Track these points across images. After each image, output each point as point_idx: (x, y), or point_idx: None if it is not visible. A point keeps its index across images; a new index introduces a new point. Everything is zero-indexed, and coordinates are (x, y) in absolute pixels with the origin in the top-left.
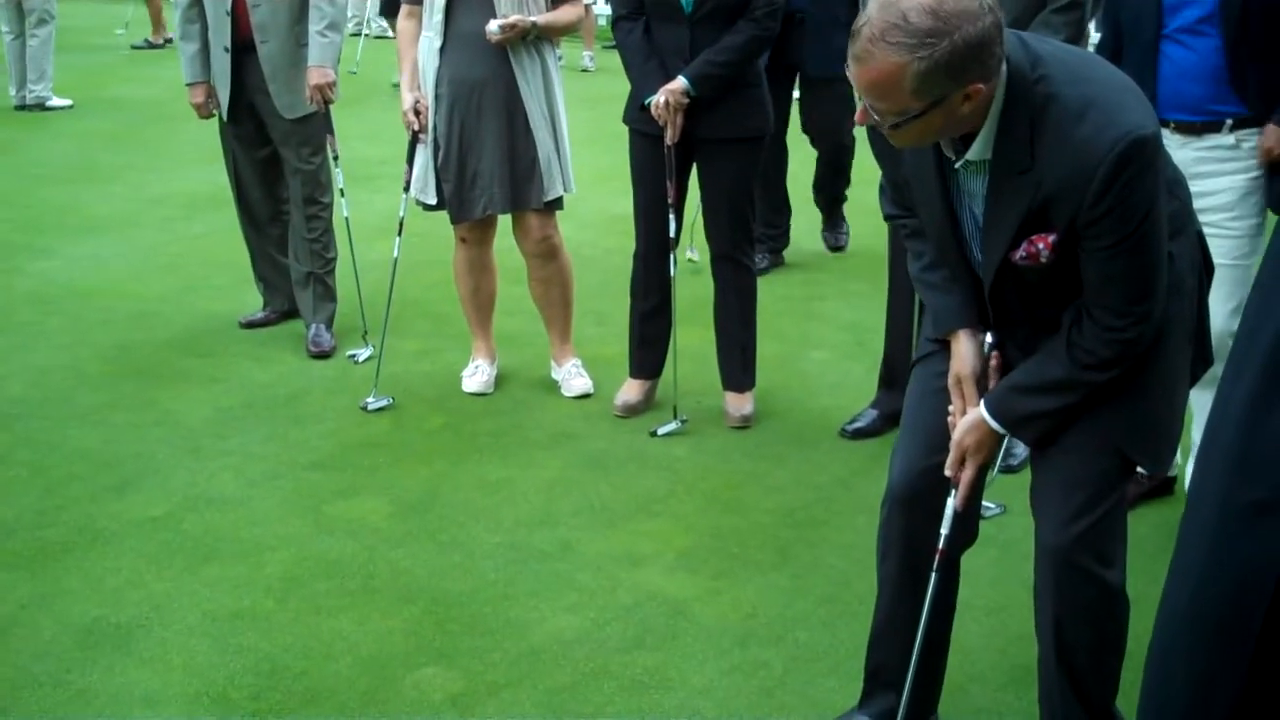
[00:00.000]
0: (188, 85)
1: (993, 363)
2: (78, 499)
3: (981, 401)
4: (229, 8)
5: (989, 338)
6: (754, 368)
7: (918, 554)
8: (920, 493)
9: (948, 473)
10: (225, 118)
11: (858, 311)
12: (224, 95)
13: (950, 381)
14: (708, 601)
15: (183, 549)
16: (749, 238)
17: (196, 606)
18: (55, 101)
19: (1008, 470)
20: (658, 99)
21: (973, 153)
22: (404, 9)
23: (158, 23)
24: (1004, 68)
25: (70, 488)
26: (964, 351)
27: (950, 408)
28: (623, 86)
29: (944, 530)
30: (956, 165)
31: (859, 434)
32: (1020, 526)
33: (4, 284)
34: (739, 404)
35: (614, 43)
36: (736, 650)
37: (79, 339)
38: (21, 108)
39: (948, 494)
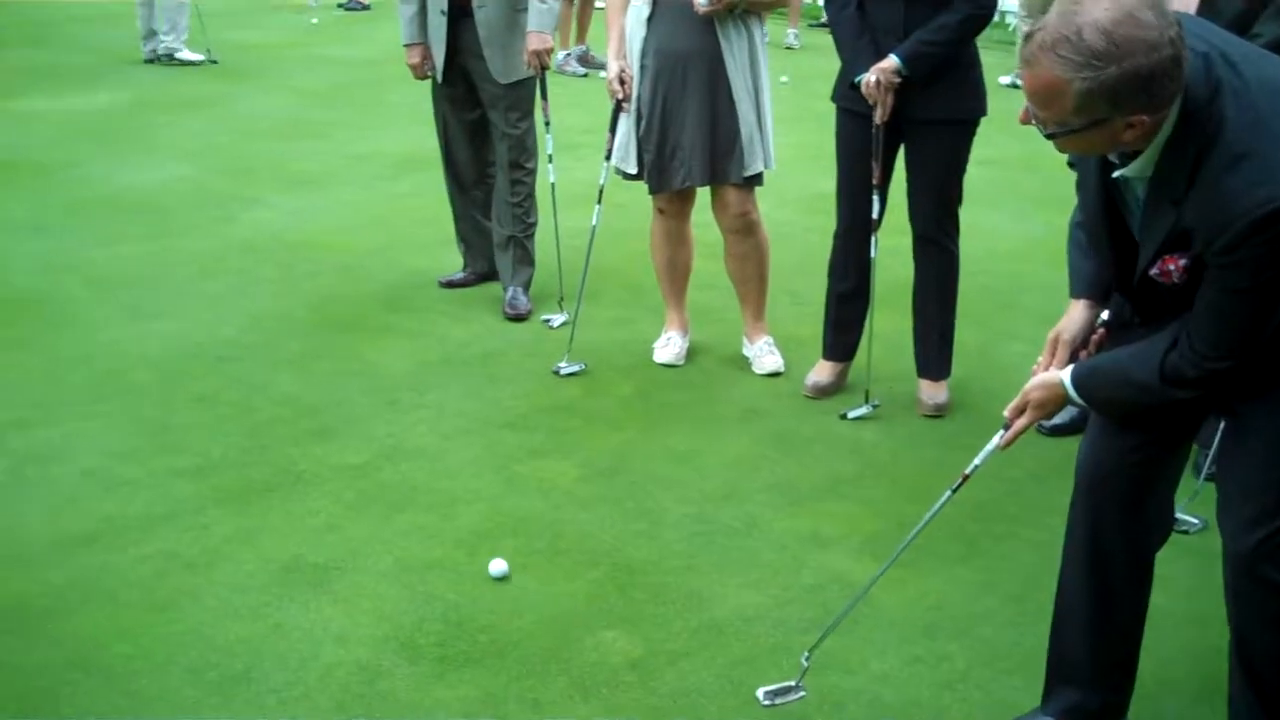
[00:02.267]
0: (405, 46)
1: (1095, 336)
2: (281, 441)
3: (1070, 368)
4: None
5: (1105, 314)
6: (950, 356)
7: (1100, 540)
8: (1105, 478)
9: (1006, 414)
10: (439, 79)
11: (1061, 303)
12: (439, 57)
13: (1049, 336)
14: (892, 589)
15: (379, 497)
16: (954, 222)
17: (389, 553)
18: (186, 54)
19: (1054, 432)
20: (868, 77)
21: (1131, 170)
22: None
23: None
24: (1179, 98)
25: (274, 430)
26: (1074, 317)
27: (1039, 359)
28: (826, 65)
29: (976, 461)
30: (1114, 175)
31: (1056, 431)
32: None
33: (220, 231)
34: (933, 392)
35: (820, 21)
36: (920, 640)
37: (288, 288)
38: (151, 60)
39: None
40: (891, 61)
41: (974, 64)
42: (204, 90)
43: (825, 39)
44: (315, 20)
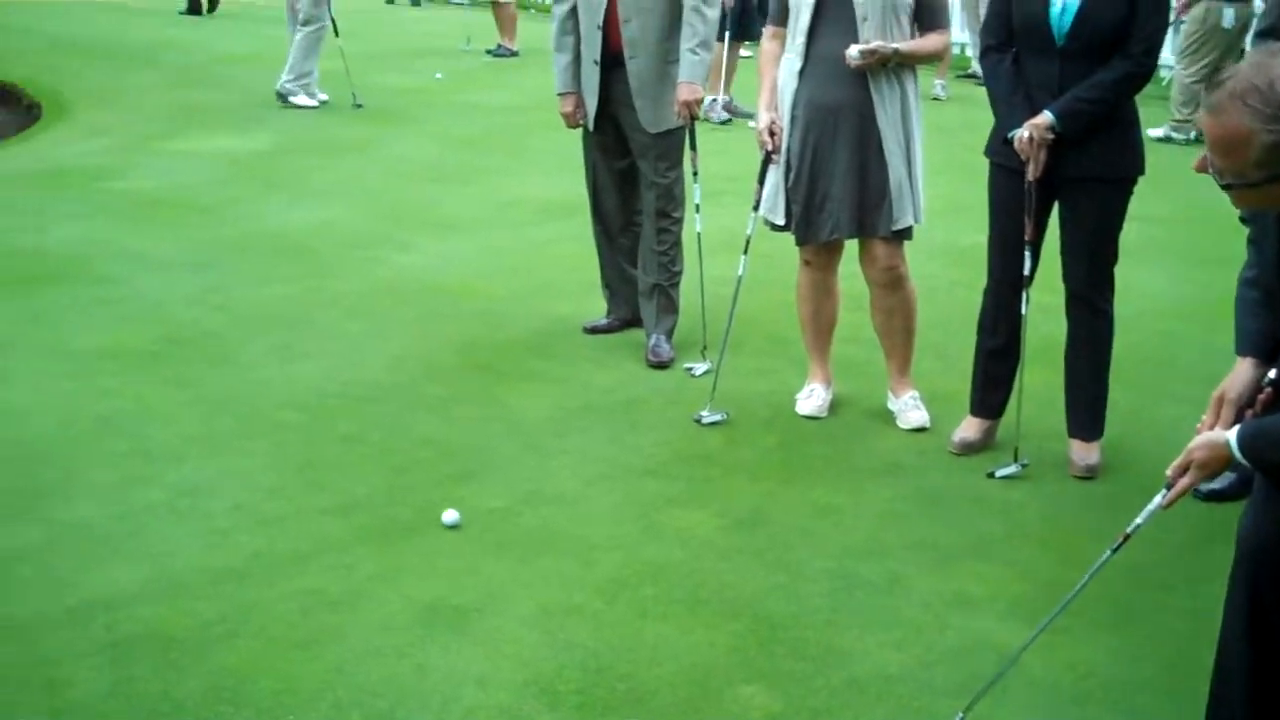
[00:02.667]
0: (558, 95)
1: (1262, 396)
2: (423, 483)
3: (1235, 428)
4: (601, 22)
5: (1273, 373)
6: (1103, 416)
7: (1261, 611)
8: (1268, 547)
9: (1168, 473)
10: (590, 128)
11: (1218, 364)
12: (591, 106)
13: (1214, 395)
14: (1041, 654)
15: (519, 541)
16: (1109, 281)
17: (530, 598)
18: (300, 99)
19: (1210, 497)
20: (1022, 133)
21: None
22: (768, 30)
23: (509, 31)
24: None
25: (416, 472)
26: (1240, 375)
27: (1203, 417)
28: (973, 116)
29: (1138, 520)
30: None
31: (1213, 496)
32: None
33: (367, 272)
34: (1085, 453)
35: (967, 72)
36: (1070, 709)
37: (432, 331)
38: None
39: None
40: (1045, 118)
41: (1133, 122)
42: (354, 134)
43: (972, 90)
44: (439, 75)
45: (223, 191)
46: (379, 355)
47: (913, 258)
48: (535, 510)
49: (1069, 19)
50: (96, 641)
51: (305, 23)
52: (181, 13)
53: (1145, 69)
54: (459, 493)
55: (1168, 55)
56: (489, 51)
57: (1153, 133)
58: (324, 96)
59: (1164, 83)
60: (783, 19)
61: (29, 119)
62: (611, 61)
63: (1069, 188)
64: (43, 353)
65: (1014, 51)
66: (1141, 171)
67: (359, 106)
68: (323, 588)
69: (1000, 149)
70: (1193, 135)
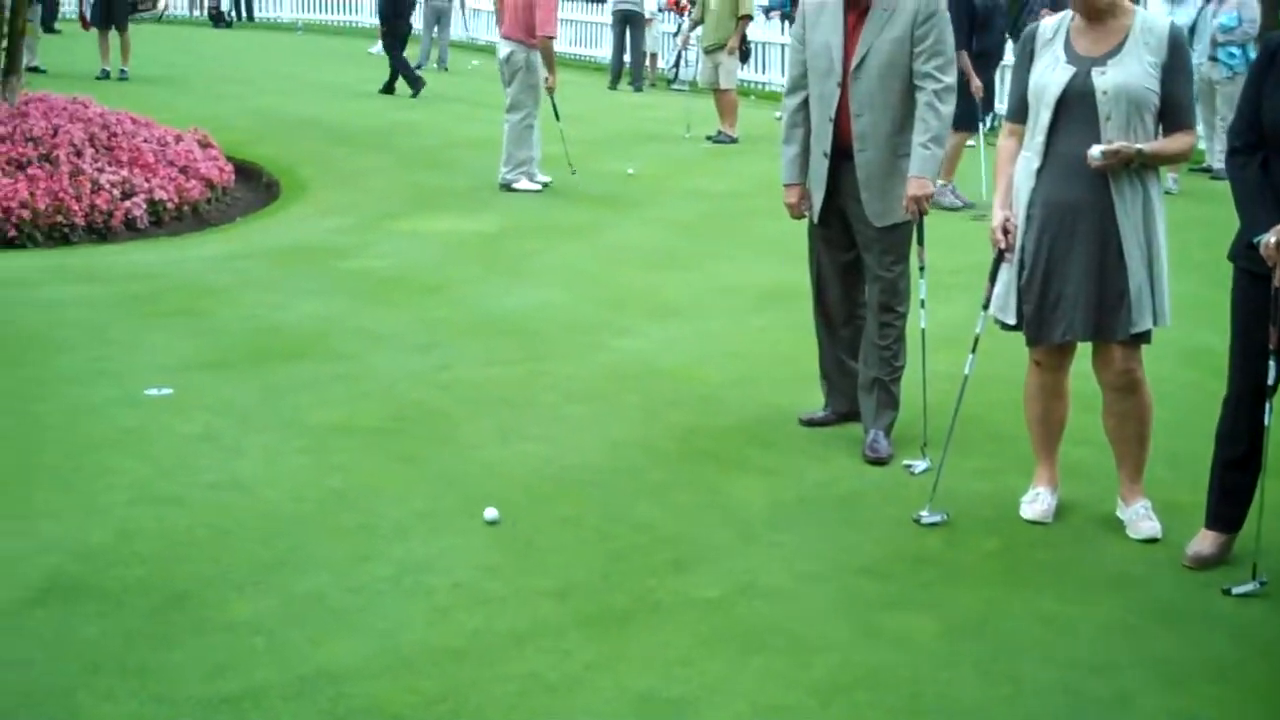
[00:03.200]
0: (785, 185)
1: None
2: (639, 569)
3: None
4: (833, 114)
5: None
6: None
7: None
8: None
9: None
10: (815, 220)
11: None
12: (818, 198)
13: None
14: None
15: (733, 634)
16: None
17: (744, 695)
18: (522, 185)
19: None
20: (1268, 239)
21: None
22: (1006, 127)
23: (729, 117)
24: None
25: (633, 558)
26: None
27: None
28: (1206, 213)
29: None
30: None
31: None
32: None
33: (588, 356)
34: None
35: (1201, 166)
36: None
37: (650, 417)
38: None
39: None
40: None
41: None
42: (576, 219)
43: (1205, 184)
44: (631, 170)
45: (449, 272)
46: (598, 439)
47: (1145, 357)
48: (749, 603)
49: None
50: (323, 714)
51: (511, 109)
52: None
53: None
54: (674, 582)
55: None
56: (709, 138)
57: None
58: (546, 179)
59: None
60: (1021, 116)
61: (269, 197)
62: (841, 154)
63: None
64: (278, 427)
65: (1262, 155)
66: None
67: (574, 173)
68: (539, 671)
69: (1245, 253)
70: None
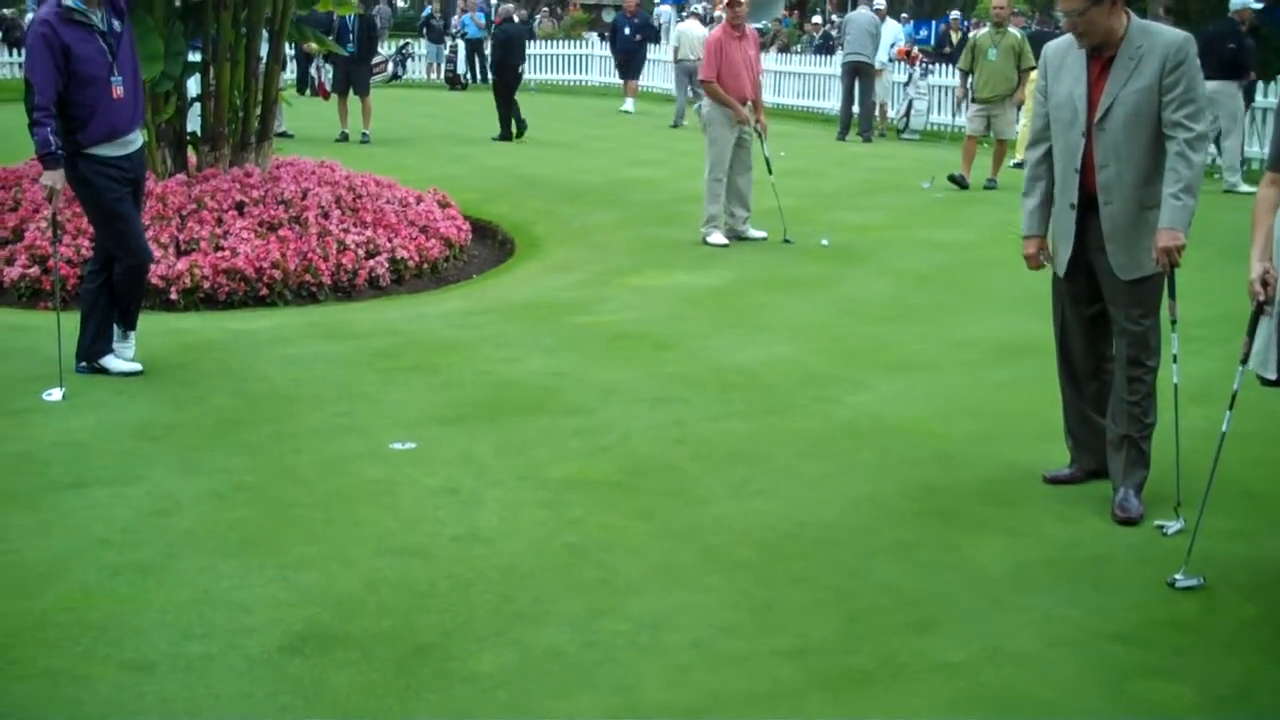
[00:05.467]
0: (1024, 237)
1: None
2: (880, 631)
3: None
4: (1078, 166)
5: None
6: None
7: None
8: None
9: None
10: (1060, 273)
11: None
12: (1064, 251)
13: None
14: None
15: (979, 701)
16: None
17: None
18: (714, 238)
19: None
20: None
21: None
22: (1267, 176)
23: (999, 164)
24: None
25: (873, 618)
26: None
27: None
28: None
29: None
30: None
31: None
32: None
33: (823, 412)
34: None
35: None
36: None
37: (886, 473)
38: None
39: None
40: None
41: None
42: (807, 271)
43: None
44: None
45: (680, 326)
46: (834, 495)
47: None
48: (997, 669)
49: None
50: None
51: (709, 168)
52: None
53: None
54: (917, 644)
55: None
56: (986, 186)
57: None
58: (759, 234)
59: None
60: None
61: (504, 254)
62: (1087, 205)
63: None
64: (516, 480)
65: None
66: None
67: (787, 241)
68: None
69: None
70: None
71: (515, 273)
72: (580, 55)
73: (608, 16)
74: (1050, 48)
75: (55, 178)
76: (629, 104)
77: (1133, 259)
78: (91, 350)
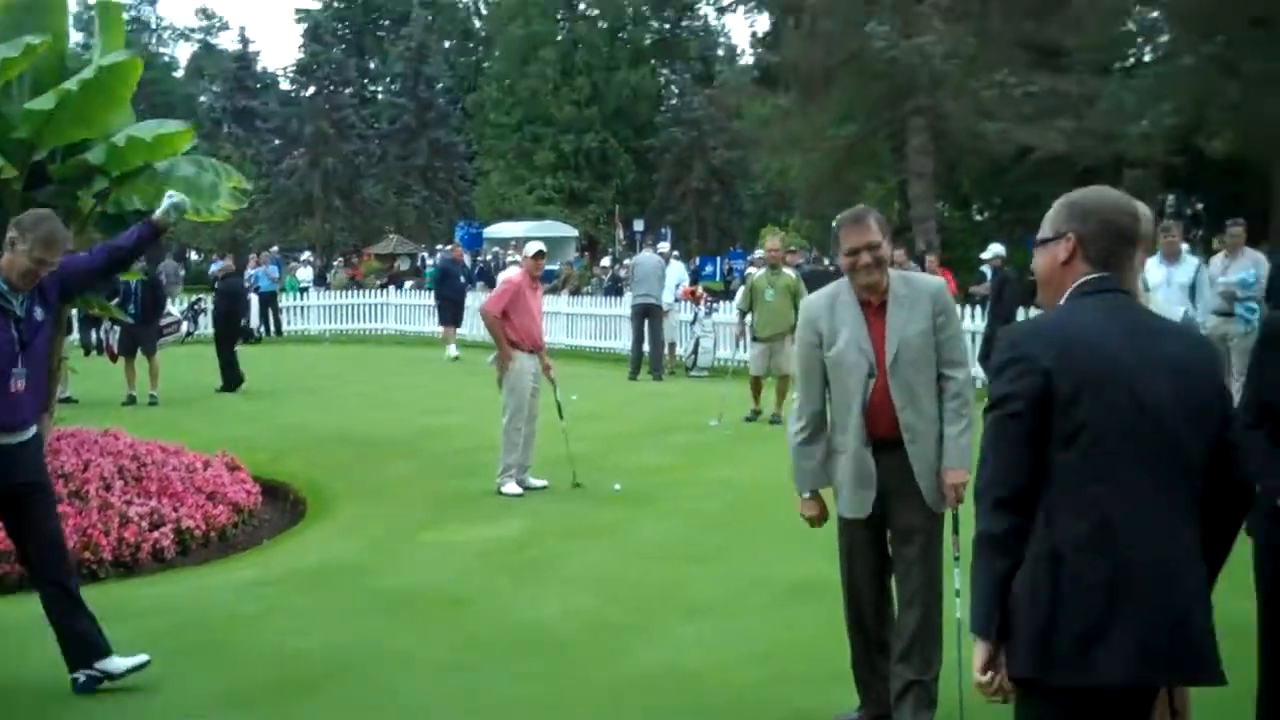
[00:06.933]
0: (805, 497)
1: None
2: None
3: None
4: (865, 409)
5: None
6: None
7: None
8: None
9: None
10: (863, 514)
11: None
12: (866, 493)
13: None
14: None
15: None
16: None
17: None
18: (508, 488)
19: None
20: None
21: None
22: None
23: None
24: None
25: None
26: None
27: None
28: None
29: None
30: None
31: None
32: None
33: (619, 665)
34: None
35: None
36: None
37: None
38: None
39: None
40: None
41: None
42: (602, 517)
43: None
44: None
45: (476, 583)
46: None
47: None
48: None
49: None
50: None
51: (505, 415)
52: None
53: None
54: None
55: None
56: (772, 420)
57: None
58: (538, 483)
59: None
60: None
61: (296, 515)
62: (879, 448)
63: None
64: None
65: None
66: None
67: (578, 486)
68: None
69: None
70: None
71: (307, 535)
72: (377, 305)
73: (403, 264)
74: (812, 303)
75: None
76: (453, 349)
77: (939, 494)
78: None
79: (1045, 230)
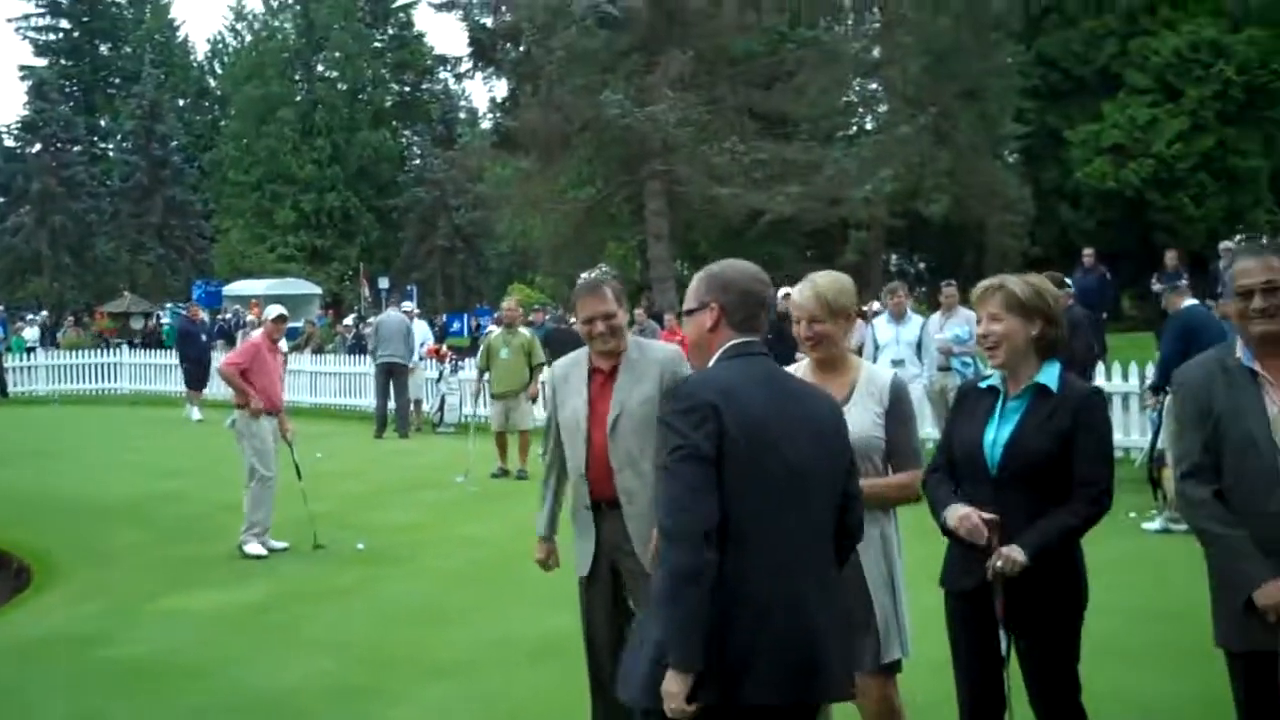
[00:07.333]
0: (541, 539)
1: None
2: None
3: None
4: (585, 472)
5: None
6: None
7: None
8: None
9: None
10: (582, 572)
11: None
12: (586, 549)
13: None
14: None
15: None
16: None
17: None
18: (252, 547)
19: None
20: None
21: None
22: None
23: (524, 454)
24: None
25: None
26: None
27: None
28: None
29: None
30: None
31: None
32: None
33: None
34: None
35: None
36: None
37: None
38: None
39: None
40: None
41: None
42: (348, 578)
43: None
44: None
45: (213, 651)
46: None
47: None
48: None
49: (999, 451)
50: None
51: (249, 475)
52: None
53: (1104, 509)
54: None
55: (1137, 437)
56: (500, 475)
57: (1149, 526)
58: (279, 545)
59: (1135, 463)
60: None
61: (20, 584)
62: (604, 508)
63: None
64: None
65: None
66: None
67: (319, 548)
68: None
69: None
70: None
71: (32, 606)
72: (110, 364)
73: (136, 323)
74: (554, 370)
75: None
76: (196, 412)
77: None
78: None
79: (690, 301)
